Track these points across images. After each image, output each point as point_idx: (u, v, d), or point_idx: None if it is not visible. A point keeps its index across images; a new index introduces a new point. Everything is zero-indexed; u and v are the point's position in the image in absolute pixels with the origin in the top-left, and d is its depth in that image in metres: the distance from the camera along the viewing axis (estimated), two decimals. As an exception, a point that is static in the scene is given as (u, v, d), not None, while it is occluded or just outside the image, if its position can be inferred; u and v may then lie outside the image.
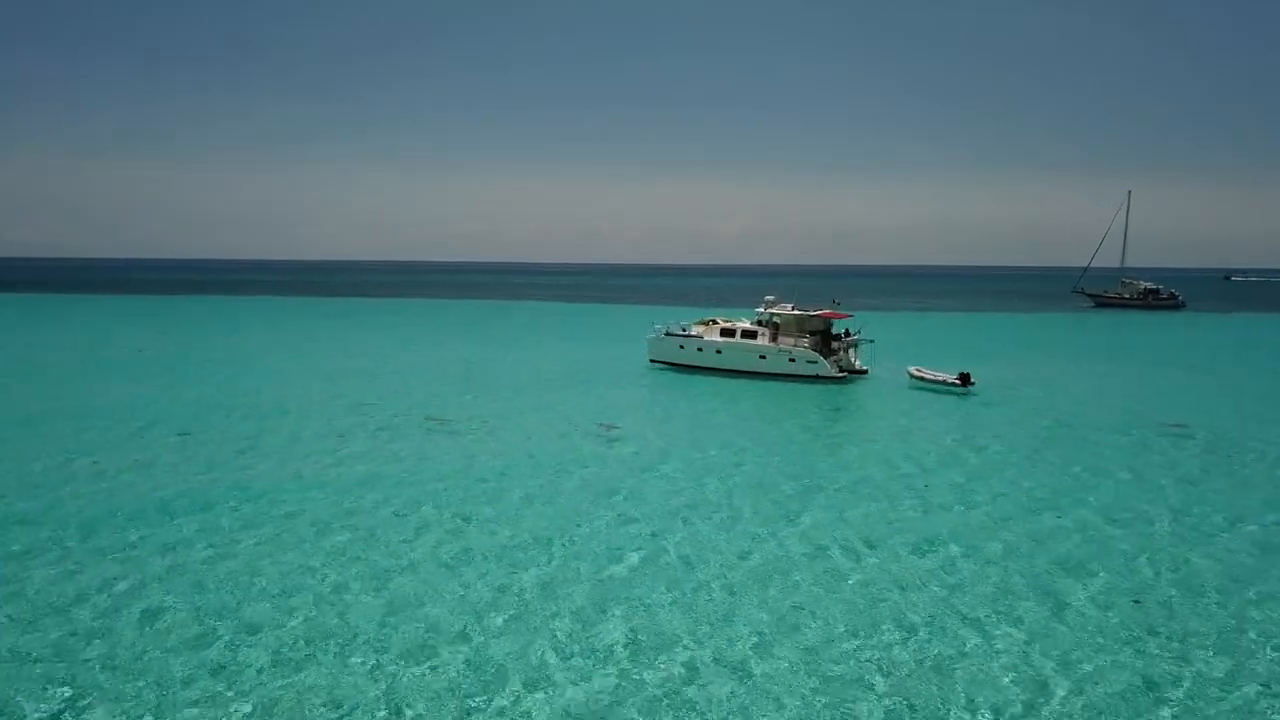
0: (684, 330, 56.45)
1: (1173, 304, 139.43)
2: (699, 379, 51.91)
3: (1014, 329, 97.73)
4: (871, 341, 53.79)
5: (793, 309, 53.32)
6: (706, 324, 56.43)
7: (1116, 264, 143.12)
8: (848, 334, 53.72)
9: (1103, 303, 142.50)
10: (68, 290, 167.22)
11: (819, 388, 49.10)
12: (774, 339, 52.55)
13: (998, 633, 17.45)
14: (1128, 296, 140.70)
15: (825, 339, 52.62)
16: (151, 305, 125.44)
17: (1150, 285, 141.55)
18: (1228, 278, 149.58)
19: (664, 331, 56.67)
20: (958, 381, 47.60)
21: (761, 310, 54.06)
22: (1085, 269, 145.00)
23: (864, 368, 53.36)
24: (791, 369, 51.44)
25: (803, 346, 51.53)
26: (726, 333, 54.11)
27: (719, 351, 53.69)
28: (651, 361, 56.90)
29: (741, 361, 52.89)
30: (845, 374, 51.57)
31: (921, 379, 49.01)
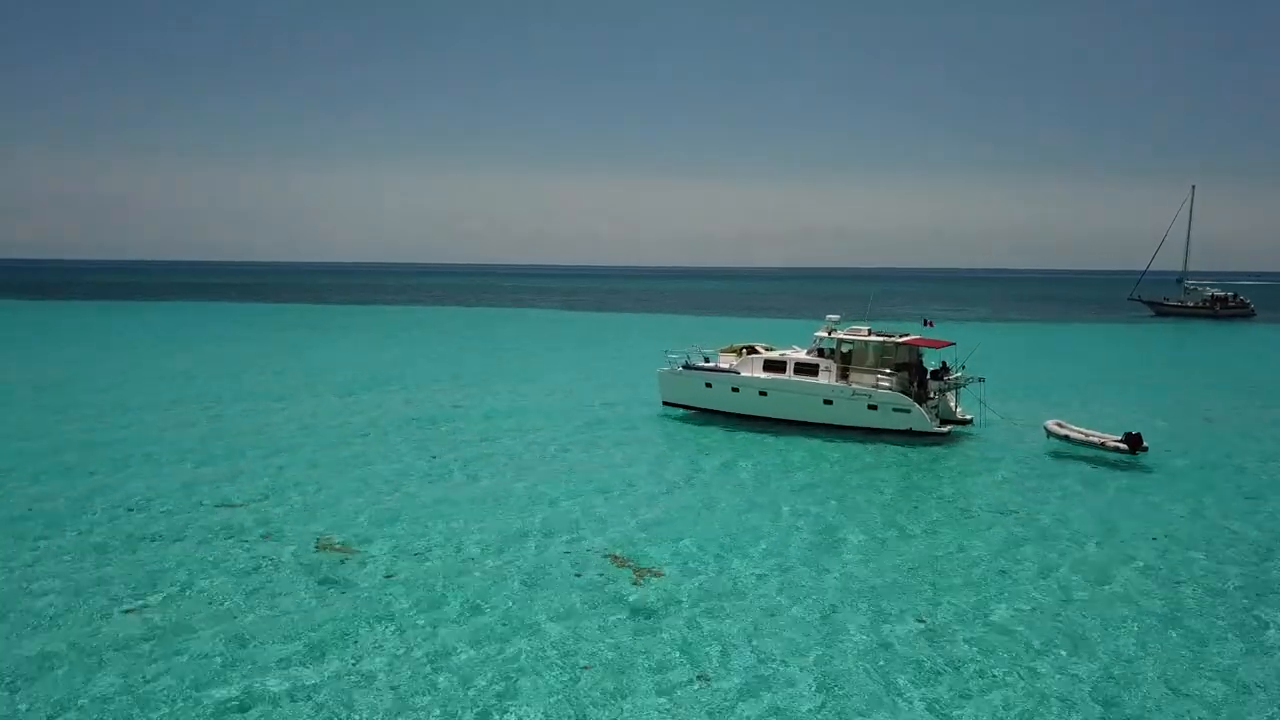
0: (708, 360, 40.51)
1: (1243, 312, 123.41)
2: (736, 434, 35.92)
3: (1095, 345, 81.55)
4: (981, 380, 37.66)
5: (869, 332, 37.28)
6: (738, 352, 40.41)
7: (1158, 268, 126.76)
8: (946, 369, 37.67)
9: (1163, 311, 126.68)
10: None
11: (919, 450, 33.08)
12: (843, 375, 36.54)
13: None
14: (1192, 304, 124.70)
15: (917, 376, 36.64)
16: (81, 311, 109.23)
17: (1218, 292, 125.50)
18: (1180, 281, 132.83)
19: (681, 363, 40.67)
20: (1123, 445, 31.70)
21: (823, 334, 37.98)
22: (1143, 274, 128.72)
23: (968, 416, 37.43)
24: (872, 420, 35.46)
25: (886, 387, 35.56)
26: (772, 366, 38.05)
27: (763, 394, 37.67)
28: (666, 404, 40.96)
29: (796, 408, 36.88)
30: (948, 427, 35.65)
31: (1068, 439, 33.06)
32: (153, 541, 21.57)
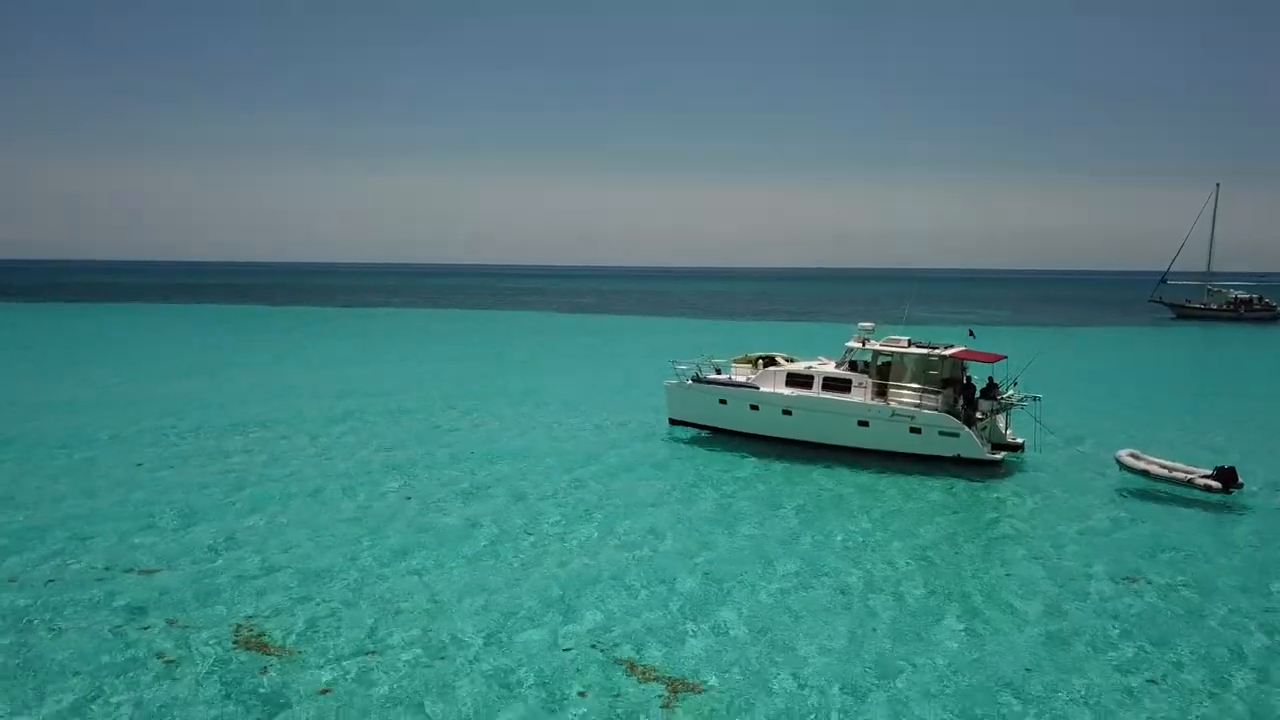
0: (720, 373, 35.76)
1: (1269, 315, 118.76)
2: (757, 462, 31.09)
3: (1125, 351, 76.72)
4: (1038, 399, 32.80)
5: (909, 343, 32.47)
6: (755, 363, 35.56)
7: (1175, 269, 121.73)
8: (994, 386, 32.82)
9: (1184, 314, 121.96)
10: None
11: (971, 484, 28.24)
12: (880, 393, 31.72)
13: None
14: (1215, 307, 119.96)
15: (963, 394, 31.81)
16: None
17: (1242, 294, 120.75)
18: (1164, 280, 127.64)
19: (691, 376, 35.86)
20: (1214, 481, 26.88)
21: (855, 344, 33.16)
22: (1164, 275, 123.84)
23: (1019, 440, 32.65)
24: (914, 445, 30.64)
25: (931, 406, 30.75)
26: (796, 380, 33.18)
27: (787, 413, 32.86)
28: (672, 422, 36.22)
29: (826, 430, 32.09)
30: (1000, 453, 30.86)
31: (1146, 474, 28.22)
32: (11, 617, 16.80)
